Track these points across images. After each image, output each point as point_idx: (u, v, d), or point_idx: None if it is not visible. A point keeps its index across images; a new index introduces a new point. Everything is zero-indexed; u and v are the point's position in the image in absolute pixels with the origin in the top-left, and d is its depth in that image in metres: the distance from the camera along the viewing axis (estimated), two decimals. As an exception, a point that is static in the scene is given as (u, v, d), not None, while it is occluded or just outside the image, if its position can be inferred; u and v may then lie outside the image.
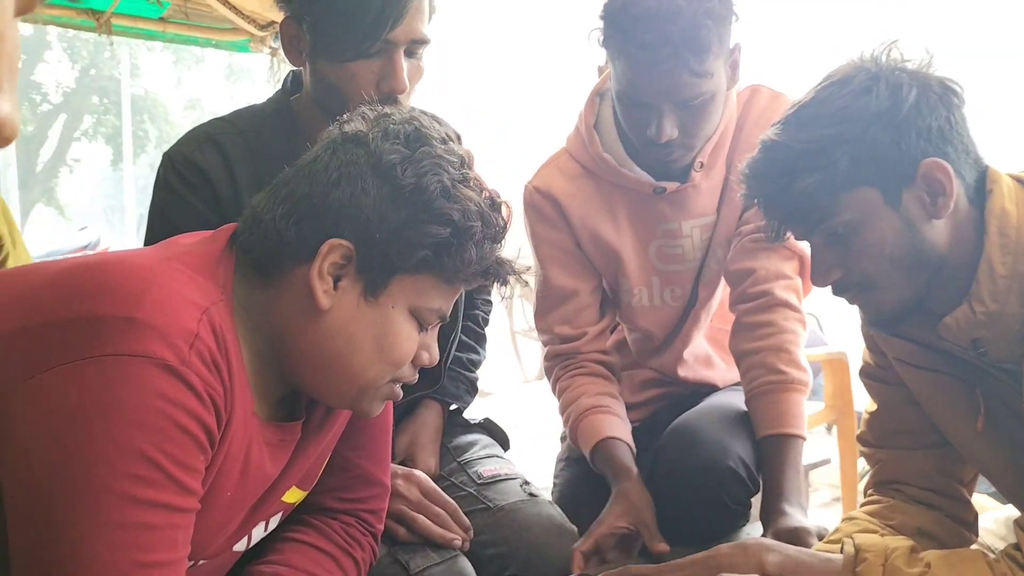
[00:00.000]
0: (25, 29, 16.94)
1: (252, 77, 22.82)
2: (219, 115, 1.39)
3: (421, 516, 1.17)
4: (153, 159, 25.86)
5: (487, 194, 0.89)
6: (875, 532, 1.09)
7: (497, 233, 0.89)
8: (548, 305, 1.56)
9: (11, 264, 1.75)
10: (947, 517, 1.15)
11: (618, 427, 1.45)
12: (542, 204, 1.53)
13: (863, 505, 1.20)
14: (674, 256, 1.52)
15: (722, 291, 1.57)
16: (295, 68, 1.36)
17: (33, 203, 21.00)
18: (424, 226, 0.84)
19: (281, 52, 4.64)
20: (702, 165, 1.45)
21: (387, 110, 0.91)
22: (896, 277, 0.98)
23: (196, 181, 1.24)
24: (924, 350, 1.07)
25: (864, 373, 1.23)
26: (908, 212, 0.96)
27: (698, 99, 1.31)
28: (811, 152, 0.96)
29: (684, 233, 1.50)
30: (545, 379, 1.70)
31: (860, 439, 1.25)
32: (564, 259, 1.53)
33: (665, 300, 1.54)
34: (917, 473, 1.16)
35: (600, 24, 1.33)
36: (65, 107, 22.81)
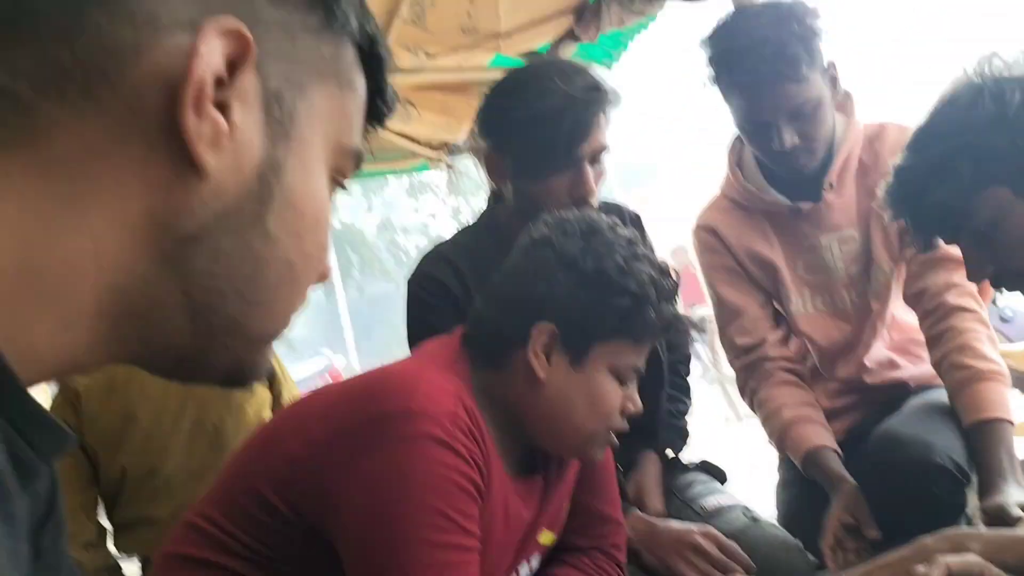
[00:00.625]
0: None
1: (432, 189, 24.31)
2: (446, 239, 1.65)
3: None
4: (360, 283, 27.95)
5: (656, 264, 1.09)
6: None
7: (669, 294, 1.08)
8: (724, 321, 1.77)
9: (285, 395, 2.12)
10: None
11: (823, 435, 1.61)
12: (705, 237, 1.78)
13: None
14: (818, 267, 1.70)
15: (894, 302, 1.67)
16: (493, 189, 1.62)
17: None
18: (609, 301, 1.05)
19: (456, 166, 5.05)
20: (831, 185, 1.63)
21: (563, 214, 1.14)
22: None
23: (440, 293, 1.49)
24: None
25: None
26: None
27: (805, 105, 1.52)
28: (936, 167, 1.09)
29: (824, 246, 1.68)
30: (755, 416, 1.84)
31: None
32: (730, 278, 1.75)
33: (818, 307, 1.71)
34: None
35: (707, 69, 1.59)
36: (278, 252, 25.22)
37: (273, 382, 2.08)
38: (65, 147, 0.39)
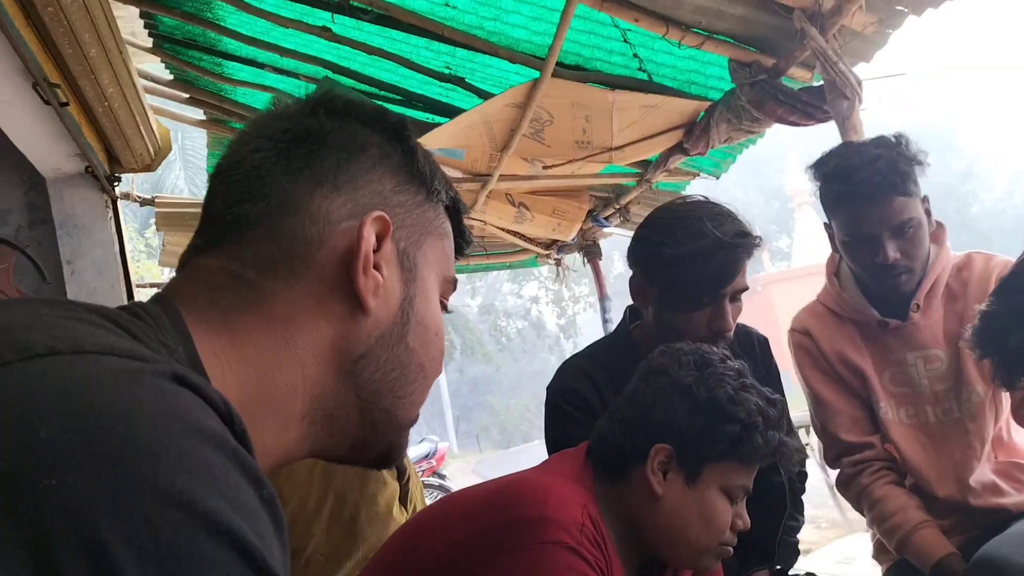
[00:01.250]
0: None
1: (534, 275, 24.68)
2: (583, 352, 1.79)
3: None
4: (460, 364, 28.41)
5: (763, 394, 1.22)
6: None
7: (776, 421, 1.21)
8: (825, 418, 1.85)
9: (413, 488, 2.29)
10: None
11: (947, 543, 1.66)
12: (800, 340, 1.90)
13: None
14: (904, 381, 1.79)
15: (998, 424, 1.73)
16: (631, 305, 1.74)
17: None
18: (720, 426, 1.18)
19: (564, 261, 5.23)
20: (918, 307, 1.74)
21: (680, 346, 1.28)
22: None
23: (579, 404, 1.63)
24: None
25: None
26: None
27: (909, 225, 1.64)
28: (1018, 314, 1.20)
29: (909, 363, 1.78)
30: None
31: None
32: (826, 379, 1.85)
33: (903, 419, 1.79)
34: None
35: (816, 185, 1.74)
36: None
37: (402, 476, 2.25)
38: (280, 307, 0.60)
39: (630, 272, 1.66)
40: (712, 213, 1.54)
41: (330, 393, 0.62)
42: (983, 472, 1.75)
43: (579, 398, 1.63)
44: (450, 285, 0.73)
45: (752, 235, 1.53)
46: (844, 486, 1.86)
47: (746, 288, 1.56)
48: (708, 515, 1.19)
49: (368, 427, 0.66)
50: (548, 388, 1.71)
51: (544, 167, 3.54)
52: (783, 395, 1.70)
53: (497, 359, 25.64)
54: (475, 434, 26.88)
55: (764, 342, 1.79)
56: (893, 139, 1.71)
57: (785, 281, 21.07)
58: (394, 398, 0.66)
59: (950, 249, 1.81)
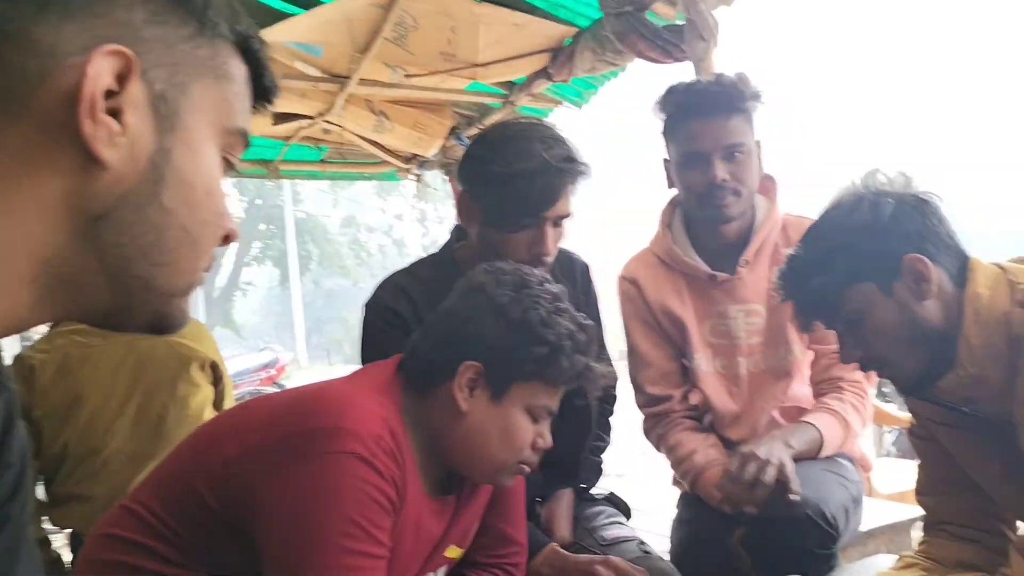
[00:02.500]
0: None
1: (400, 191, 24.33)
2: (404, 268, 1.76)
3: None
4: (316, 275, 27.84)
5: (575, 319, 1.22)
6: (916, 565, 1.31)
7: (584, 347, 1.22)
8: (637, 369, 1.94)
9: (227, 386, 2.22)
10: (986, 549, 1.34)
11: None
12: (627, 288, 1.95)
13: (919, 545, 1.41)
14: (723, 333, 1.87)
15: (794, 381, 1.85)
16: (458, 224, 1.72)
17: (212, 327, 22.93)
18: (529, 347, 1.18)
19: (424, 178, 5.14)
20: (747, 263, 1.82)
21: (500, 265, 1.27)
22: (903, 352, 1.22)
23: (396, 322, 1.60)
24: (948, 410, 1.29)
25: (911, 433, 1.46)
26: (900, 298, 1.21)
27: (740, 149, 1.73)
28: (817, 260, 1.25)
29: (731, 315, 1.85)
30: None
31: (915, 490, 1.47)
32: (646, 331, 1.92)
33: (717, 369, 1.88)
34: (957, 513, 1.38)
35: (661, 113, 1.81)
36: (237, 236, 25.02)
37: (218, 382, 2.18)
38: None
39: None
40: (543, 136, 1.53)
41: (64, 256, 0.54)
42: (772, 420, 1.86)
43: (396, 316, 1.60)
44: (236, 138, 0.63)
45: (579, 162, 1.53)
46: (647, 433, 1.97)
47: (570, 215, 1.56)
48: (510, 433, 1.19)
49: (122, 295, 0.57)
50: (365, 304, 1.68)
51: (406, 75, 3.42)
52: (599, 322, 1.73)
53: (355, 273, 25.30)
54: (326, 347, 26.61)
55: (585, 268, 1.82)
56: (735, 75, 1.77)
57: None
58: (150, 265, 0.57)
59: (780, 210, 1.87)
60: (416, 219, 26.62)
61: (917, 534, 3.36)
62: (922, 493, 1.46)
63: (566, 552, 1.52)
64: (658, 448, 1.93)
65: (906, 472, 3.19)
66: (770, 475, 1.47)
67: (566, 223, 1.60)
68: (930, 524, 1.43)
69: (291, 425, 1.10)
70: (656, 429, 1.92)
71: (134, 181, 0.55)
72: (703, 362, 1.89)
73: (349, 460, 1.05)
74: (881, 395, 4.10)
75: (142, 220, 0.56)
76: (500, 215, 1.53)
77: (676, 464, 1.88)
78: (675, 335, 1.91)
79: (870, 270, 1.22)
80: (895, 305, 1.21)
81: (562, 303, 1.23)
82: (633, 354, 1.95)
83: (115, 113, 0.53)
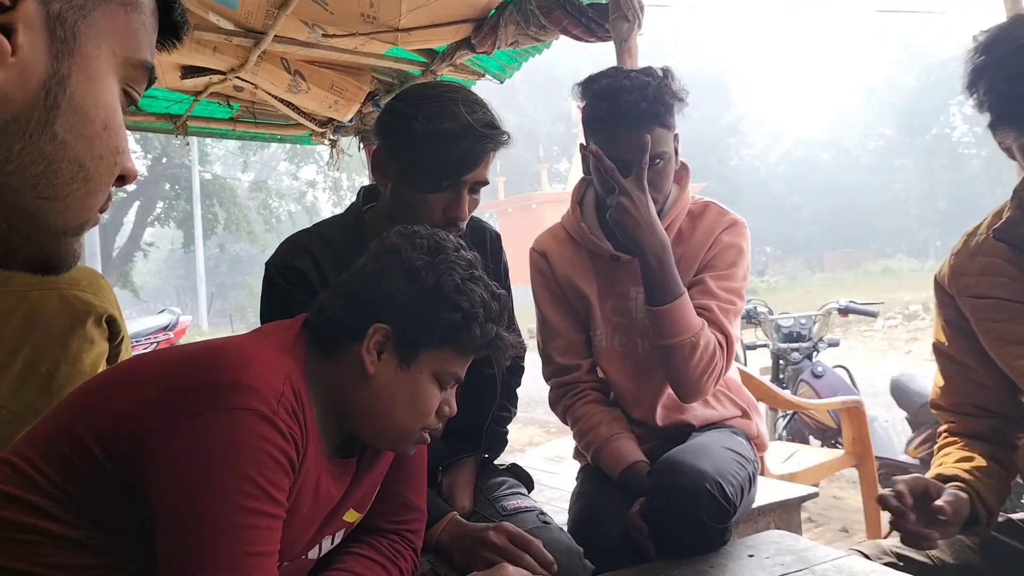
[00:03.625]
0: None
1: (313, 158, 23.81)
2: (310, 227, 1.72)
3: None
4: (222, 239, 27.03)
5: (489, 288, 1.22)
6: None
7: (496, 315, 1.21)
8: (546, 339, 1.97)
9: (126, 342, 2.12)
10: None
11: (637, 451, 1.82)
12: (538, 260, 1.98)
13: (943, 447, 1.58)
14: (623, 312, 1.90)
15: None
16: (366, 185, 1.70)
17: (110, 286, 21.99)
18: (441, 313, 1.16)
19: (339, 143, 5.03)
20: None
21: (415, 228, 1.25)
22: None
23: (297, 281, 1.56)
24: (1011, 282, 1.41)
25: (937, 350, 1.59)
26: None
27: (661, 158, 1.72)
28: None
29: (631, 296, 1.88)
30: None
31: (933, 404, 1.62)
32: (554, 302, 1.95)
33: (616, 346, 1.92)
34: (984, 428, 1.53)
35: (583, 104, 1.77)
36: (139, 194, 24.07)
37: (115, 338, 2.08)
38: None
39: None
40: (467, 99, 1.52)
41: None
42: (669, 396, 1.90)
43: (299, 275, 1.57)
44: (139, 71, 0.59)
45: (502, 130, 1.53)
46: (553, 404, 1.99)
47: (487, 182, 1.56)
48: (416, 399, 1.18)
49: (5, 228, 0.54)
50: (267, 263, 1.63)
51: (324, 35, 3.33)
52: (508, 290, 1.74)
53: (263, 239, 24.63)
54: (229, 313, 25.93)
55: (496, 237, 1.82)
56: (661, 72, 1.76)
57: (558, 203, 21.88)
58: (38, 198, 0.53)
59: (690, 193, 1.90)
60: (329, 187, 26.11)
61: (805, 513, 3.50)
62: (943, 409, 1.59)
63: (465, 521, 1.52)
64: (564, 420, 1.96)
65: (796, 454, 3.33)
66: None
67: (482, 192, 1.60)
68: (955, 433, 1.58)
69: (188, 379, 1.06)
70: (563, 400, 1.94)
71: (24, 106, 0.51)
72: (604, 339, 1.92)
73: (248, 417, 1.02)
74: (777, 381, 4.25)
75: (32, 149, 0.52)
76: (418, 175, 1.51)
77: (580, 436, 1.91)
78: (581, 309, 1.93)
79: None
80: None
81: (476, 271, 1.22)
82: (543, 324, 1.97)
83: (6, 32, 0.49)
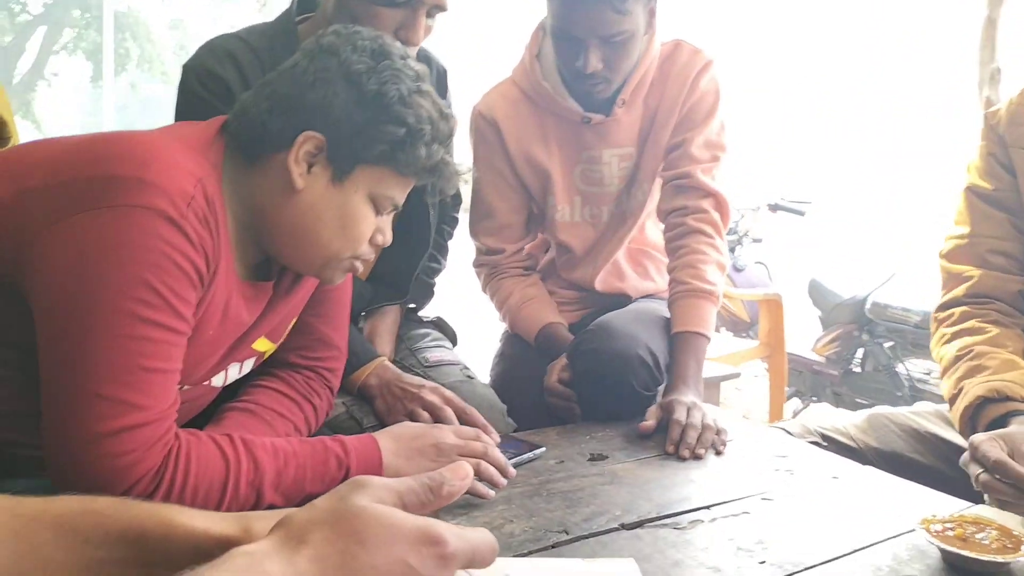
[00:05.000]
0: (7, -65, 16.43)
1: (239, 1, 22.42)
2: (233, 32, 1.51)
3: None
4: (134, 78, 25.41)
5: (437, 105, 1.08)
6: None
7: (444, 136, 1.08)
8: (478, 216, 1.82)
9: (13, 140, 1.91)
10: None
11: (552, 312, 1.75)
12: (484, 127, 1.76)
13: (959, 323, 1.43)
14: (594, 179, 1.76)
15: (644, 218, 1.78)
16: None
17: (3, 88, 20.62)
18: (383, 125, 1.03)
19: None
20: (624, 102, 1.68)
21: (358, 28, 1.09)
22: None
23: (218, 89, 1.39)
24: None
25: (975, 192, 1.47)
26: None
27: (619, 36, 1.53)
28: None
29: (604, 160, 1.74)
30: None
31: (944, 255, 1.50)
32: (495, 180, 1.77)
33: (584, 218, 1.80)
34: (1008, 293, 1.42)
35: None
36: (45, 19, 22.29)
37: (3, 143, 1.86)
38: None
39: None
40: None
41: None
42: (616, 259, 1.82)
43: (219, 82, 1.39)
44: None
45: None
46: (483, 287, 1.89)
47: (445, 8, 1.40)
48: (348, 219, 1.05)
49: None
50: (184, 66, 1.45)
51: None
52: None
53: (177, 82, 23.31)
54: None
55: (444, 73, 1.66)
56: None
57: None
58: None
59: (658, 38, 1.70)
60: (254, 34, 24.68)
61: (725, 392, 3.56)
62: (960, 261, 1.47)
63: (395, 368, 1.43)
64: (491, 299, 1.88)
65: (717, 340, 3.36)
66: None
67: (438, 18, 1.44)
68: (973, 295, 1.45)
69: (81, 169, 0.91)
70: (490, 282, 1.85)
71: None
72: (567, 211, 1.78)
73: (151, 216, 0.88)
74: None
75: None
76: None
77: (498, 308, 1.85)
78: (533, 184, 1.77)
79: None
80: None
81: (424, 84, 1.08)
82: (477, 199, 1.81)
83: None
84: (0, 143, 1.88)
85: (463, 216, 1.87)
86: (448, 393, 1.37)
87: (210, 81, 1.41)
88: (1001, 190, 1.44)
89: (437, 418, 1.31)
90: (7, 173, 0.96)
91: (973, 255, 1.46)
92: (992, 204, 1.45)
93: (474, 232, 1.85)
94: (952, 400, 1.35)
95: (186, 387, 1.04)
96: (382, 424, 1.35)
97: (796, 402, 4.12)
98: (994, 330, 1.38)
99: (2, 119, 1.86)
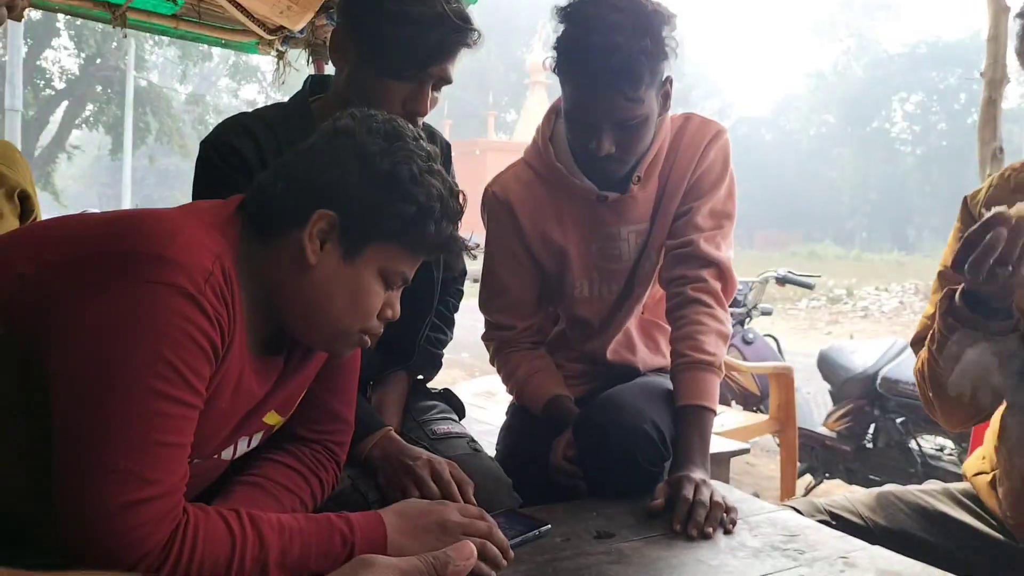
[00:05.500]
0: (34, 14, 17.02)
1: (256, 76, 23.01)
2: (249, 110, 1.59)
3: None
4: (153, 151, 26.02)
5: (447, 183, 1.11)
6: None
7: (453, 215, 1.11)
8: (490, 293, 1.83)
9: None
10: None
11: (559, 385, 1.75)
12: (497, 208, 1.78)
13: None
14: (613, 256, 1.76)
15: (652, 287, 1.80)
16: (313, 74, 1.58)
17: (27, 163, 21.05)
18: (395, 204, 1.06)
19: (287, 56, 4.79)
20: (639, 179, 1.69)
21: (372, 111, 1.13)
22: None
23: (235, 162, 1.44)
24: None
25: (944, 277, 1.45)
26: None
27: (632, 121, 1.55)
28: None
29: (622, 237, 1.74)
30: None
31: (915, 339, 1.49)
32: (508, 259, 1.78)
33: (602, 293, 1.80)
34: None
35: (554, 54, 1.57)
36: (68, 94, 22.93)
37: (27, 216, 1.91)
38: None
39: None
40: None
41: None
42: (626, 330, 1.83)
43: (237, 156, 1.44)
44: None
45: (474, 27, 1.43)
46: (491, 359, 1.89)
47: (450, 80, 1.46)
48: (358, 295, 1.08)
49: None
50: (203, 142, 1.50)
51: (284, -71, 3.12)
52: None
53: (195, 155, 23.79)
54: (153, 228, 24.99)
55: (447, 147, 1.71)
56: (645, 19, 1.51)
57: (503, 152, 21.69)
58: None
59: (668, 117, 1.72)
60: (270, 109, 25.24)
61: (736, 468, 3.53)
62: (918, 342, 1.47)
63: (400, 439, 1.44)
64: (498, 371, 1.88)
65: (720, 415, 3.34)
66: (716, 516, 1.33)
67: (444, 91, 1.50)
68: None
69: (103, 246, 0.94)
70: (498, 356, 1.86)
71: None
72: (585, 287, 1.79)
73: (170, 293, 0.90)
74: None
75: None
76: (383, 57, 1.40)
77: (506, 381, 1.85)
78: (549, 263, 1.78)
79: None
80: None
81: (435, 164, 1.11)
82: (490, 277, 1.82)
83: None
84: (24, 217, 1.92)
85: (469, 288, 1.90)
86: (451, 468, 1.37)
87: (227, 153, 1.46)
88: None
89: (441, 494, 1.31)
90: (30, 248, 0.99)
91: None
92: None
93: (485, 308, 1.86)
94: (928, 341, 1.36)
95: (196, 461, 1.05)
96: (385, 497, 1.35)
97: (809, 478, 4.06)
98: None
99: (26, 192, 1.91)
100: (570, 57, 1.54)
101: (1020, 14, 1.38)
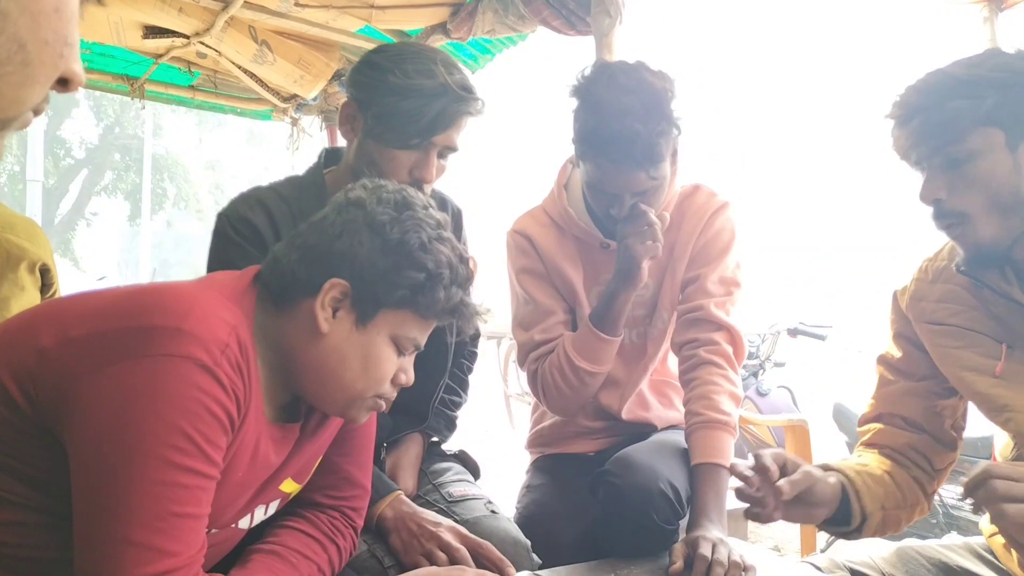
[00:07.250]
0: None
1: (271, 142, 23.39)
2: (266, 184, 1.64)
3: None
4: (170, 216, 26.40)
5: (456, 250, 1.14)
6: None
7: (463, 280, 1.14)
8: (532, 321, 1.81)
9: (57, 296, 2.00)
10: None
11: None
12: (520, 241, 1.85)
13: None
14: None
15: (665, 348, 1.82)
16: (327, 147, 1.63)
17: (47, 237, 21.34)
18: (405, 271, 1.09)
19: (301, 123, 4.89)
20: None
21: (382, 182, 1.17)
22: (992, 214, 1.21)
23: (249, 234, 1.49)
24: (970, 311, 1.34)
25: (884, 362, 1.52)
26: (1020, 160, 1.20)
27: (652, 187, 1.62)
28: (969, 83, 1.21)
29: None
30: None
31: (862, 419, 1.55)
32: (539, 282, 1.83)
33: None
34: (905, 444, 1.47)
35: (575, 142, 1.65)
36: (87, 162, 23.38)
37: (47, 288, 1.96)
38: None
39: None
40: (447, 61, 1.47)
41: None
42: (640, 389, 1.85)
43: (251, 229, 1.48)
44: None
45: (478, 96, 1.48)
46: (533, 382, 1.83)
47: (456, 149, 1.51)
48: (371, 361, 1.10)
49: None
50: (219, 214, 1.54)
51: (296, 3, 3.23)
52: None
53: (211, 219, 24.06)
54: (171, 292, 25.20)
55: (458, 213, 1.75)
56: (657, 98, 1.58)
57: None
58: None
59: (677, 181, 1.79)
60: (286, 172, 25.60)
61: (754, 524, 3.49)
62: (867, 419, 1.53)
63: (411, 502, 1.45)
64: (539, 389, 1.81)
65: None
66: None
67: (451, 159, 1.54)
68: (871, 444, 1.52)
69: (123, 320, 0.97)
70: (541, 367, 1.79)
71: None
72: None
73: (187, 365, 0.93)
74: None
75: None
76: (389, 128, 1.46)
77: (552, 368, 1.76)
78: (567, 296, 1.84)
79: (1009, 118, 1.19)
80: (1011, 164, 1.20)
81: (444, 231, 1.15)
82: (527, 303, 1.83)
83: None
84: (44, 290, 1.97)
85: (483, 346, 1.91)
86: (464, 531, 1.38)
87: (241, 226, 1.50)
88: (908, 360, 1.49)
89: (454, 559, 1.31)
90: (53, 323, 1.02)
91: (878, 414, 1.54)
92: (897, 372, 1.50)
93: (527, 335, 1.82)
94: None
95: (213, 530, 1.07)
96: (399, 562, 1.36)
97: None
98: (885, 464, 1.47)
99: (46, 265, 1.96)
100: (592, 145, 1.60)
101: None
